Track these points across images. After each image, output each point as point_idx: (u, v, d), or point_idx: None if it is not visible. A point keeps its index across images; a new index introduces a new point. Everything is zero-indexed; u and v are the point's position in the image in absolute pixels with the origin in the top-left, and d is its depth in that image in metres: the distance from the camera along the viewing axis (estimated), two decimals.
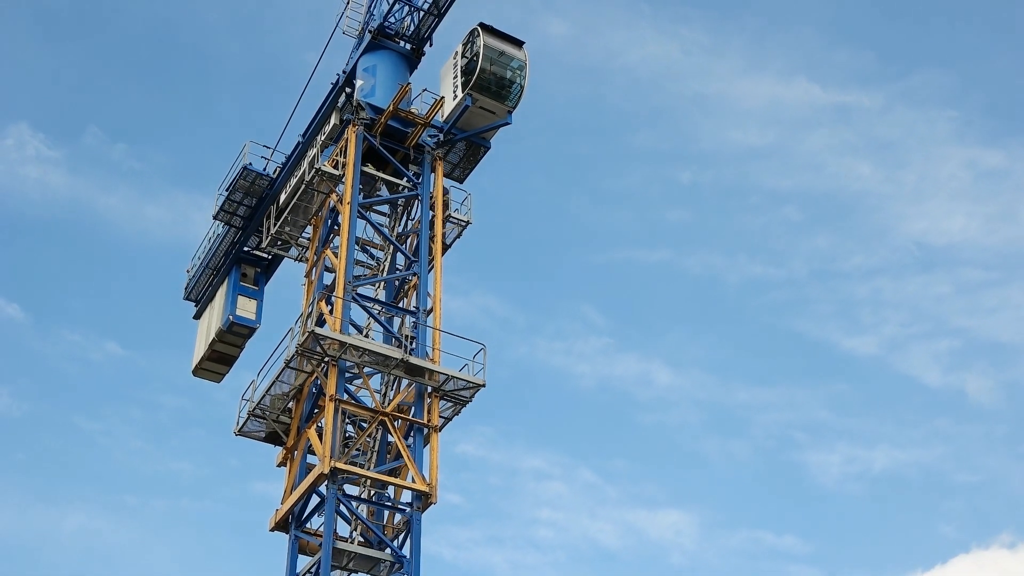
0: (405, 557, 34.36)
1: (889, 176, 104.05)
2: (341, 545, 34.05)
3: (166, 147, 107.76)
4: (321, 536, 34.36)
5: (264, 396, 36.91)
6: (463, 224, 39.81)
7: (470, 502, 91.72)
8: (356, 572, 35.03)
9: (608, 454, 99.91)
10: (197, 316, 45.08)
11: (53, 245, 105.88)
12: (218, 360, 43.51)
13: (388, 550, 34.71)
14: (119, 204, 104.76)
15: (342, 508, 34.56)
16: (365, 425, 36.33)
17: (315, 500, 35.68)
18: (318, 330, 34.75)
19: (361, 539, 35.18)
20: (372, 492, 36.11)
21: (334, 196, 38.73)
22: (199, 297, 45.02)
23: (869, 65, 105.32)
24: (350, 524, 35.45)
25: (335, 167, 38.61)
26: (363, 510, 35.60)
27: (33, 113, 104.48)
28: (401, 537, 35.10)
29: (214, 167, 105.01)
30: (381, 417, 35.24)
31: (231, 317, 42.30)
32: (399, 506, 35.47)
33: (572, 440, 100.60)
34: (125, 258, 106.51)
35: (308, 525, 35.84)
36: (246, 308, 42.71)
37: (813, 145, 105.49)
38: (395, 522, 35.80)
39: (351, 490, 36.15)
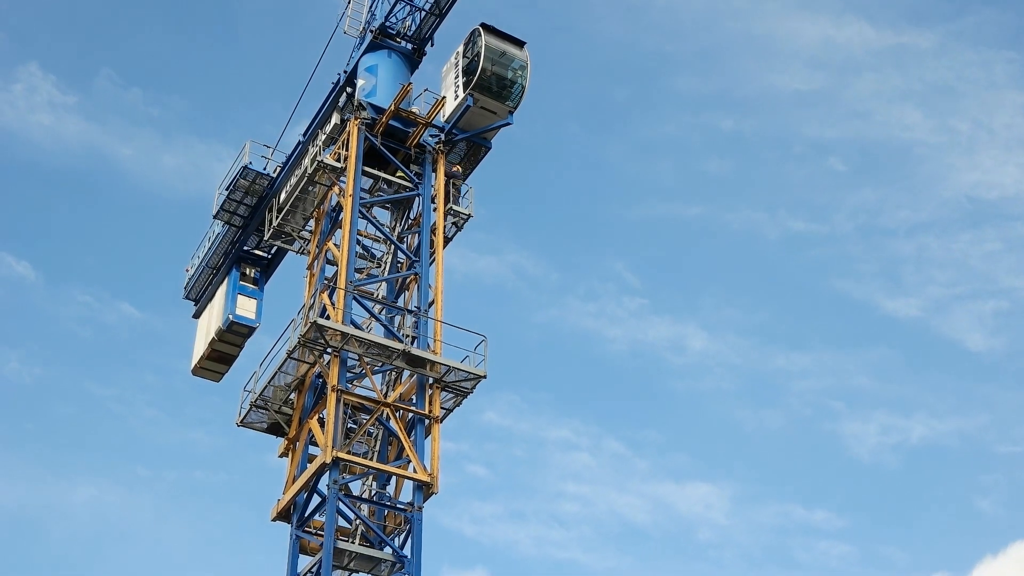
0: (406, 557, 34.31)
1: (940, 124, 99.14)
2: (342, 545, 34.00)
3: (184, 92, 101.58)
4: (323, 533, 34.27)
5: (266, 387, 36.98)
6: (464, 217, 40.02)
7: (494, 474, 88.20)
8: (357, 572, 34.96)
9: (637, 424, 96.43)
10: (197, 315, 45.13)
11: (65, 198, 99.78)
12: (218, 359, 43.53)
13: (389, 550, 34.66)
14: (135, 153, 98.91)
15: (343, 508, 34.51)
16: (367, 417, 36.38)
17: (315, 500, 35.69)
18: (321, 321, 34.86)
19: (362, 539, 35.14)
20: (373, 492, 36.10)
21: (336, 189, 38.96)
22: (199, 296, 45.10)
23: (924, 2, 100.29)
24: (351, 524, 35.42)
25: (337, 160, 38.83)
26: (364, 510, 35.56)
27: (43, 53, 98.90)
28: (402, 537, 35.05)
29: (236, 114, 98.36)
30: (383, 408, 35.31)
31: (231, 317, 42.34)
32: (399, 506, 35.42)
33: (601, 409, 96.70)
34: (141, 212, 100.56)
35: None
36: (246, 308, 42.77)
37: (862, 91, 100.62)
38: (397, 519, 35.73)
39: (353, 487, 36.18)
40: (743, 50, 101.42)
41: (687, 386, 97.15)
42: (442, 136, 40.27)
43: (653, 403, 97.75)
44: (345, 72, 41.43)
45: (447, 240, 39.71)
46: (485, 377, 35.95)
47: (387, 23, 41.48)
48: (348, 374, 35.68)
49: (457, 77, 40.19)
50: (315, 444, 35.74)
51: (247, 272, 43.40)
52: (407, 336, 36.87)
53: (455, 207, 39.90)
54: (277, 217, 40.87)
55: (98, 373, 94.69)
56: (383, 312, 37.87)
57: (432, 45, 42.03)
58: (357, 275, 38.43)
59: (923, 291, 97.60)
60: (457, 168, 40.65)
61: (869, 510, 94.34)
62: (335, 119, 40.66)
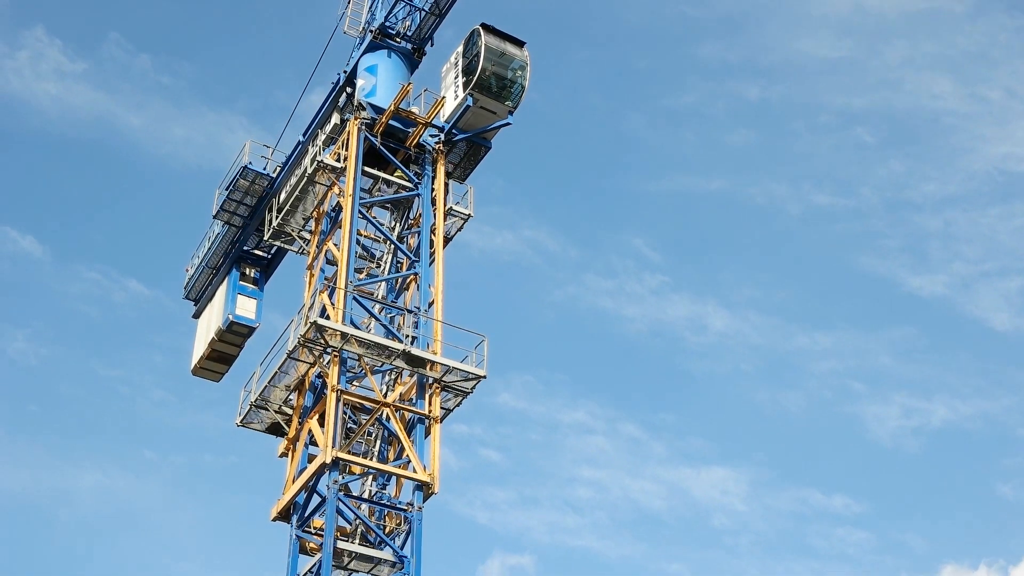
0: (406, 557, 34.30)
1: (972, 93, 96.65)
2: (342, 545, 33.99)
3: (195, 59, 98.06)
4: (323, 533, 34.25)
5: (266, 387, 36.97)
6: (464, 217, 40.02)
7: (508, 459, 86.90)
8: (357, 572, 34.95)
9: (655, 406, 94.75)
10: (197, 315, 45.15)
11: (72, 170, 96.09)
12: (218, 359, 43.60)
13: (389, 550, 34.65)
14: (145, 123, 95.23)
15: (343, 508, 34.50)
16: (367, 417, 36.37)
17: (315, 500, 35.67)
18: (320, 321, 34.86)
19: (362, 539, 35.12)
20: (373, 492, 36.09)
21: (336, 189, 38.96)
22: (198, 296, 45.10)
23: None
24: (351, 524, 35.41)
25: (337, 160, 38.82)
26: (364, 510, 35.55)
27: (49, 16, 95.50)
28: (402, 537, 35.03)
29: (249, 81, 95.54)
30: (383, 408, 35.31)
31: (231, 317, 42.40)
32: (399, 506, 35.40)
33: (617, 390, 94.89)
34: (151, 184, 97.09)
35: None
36: (246, 308, 42.81)
37: (891, 58, 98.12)
38: (397, 519, 35.71)
39: (353, 487, 36.17)
40: (770, 16, 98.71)
41: (706, 367, 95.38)
42: (442, 136, 40.26)
43: (671, 385, 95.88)
44: (345, 72, 41.42)
45: (447, 240, 39.71)
46: (485, 377, 35.97)
47: (387, 23, 41.49)
48: (348, 374, 35.67)
49: (457, 77, 40.19)
50: (315, 444, 35.72)
51: (247, 272, 43.45)
52: (407, 336, 36.85)
53: (455, 207, 39.89)
54: (277, 217, 40.89)
55: (105, 353, 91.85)
56: (383, 312, 37.85)
57: (432, 45, 42.11)
58: (357, 275, 38.43)
59: (949, 268, 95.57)
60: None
61: (888, 496, 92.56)
62: (335, 119, 40.69)
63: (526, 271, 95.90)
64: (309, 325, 34.86)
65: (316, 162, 38.74)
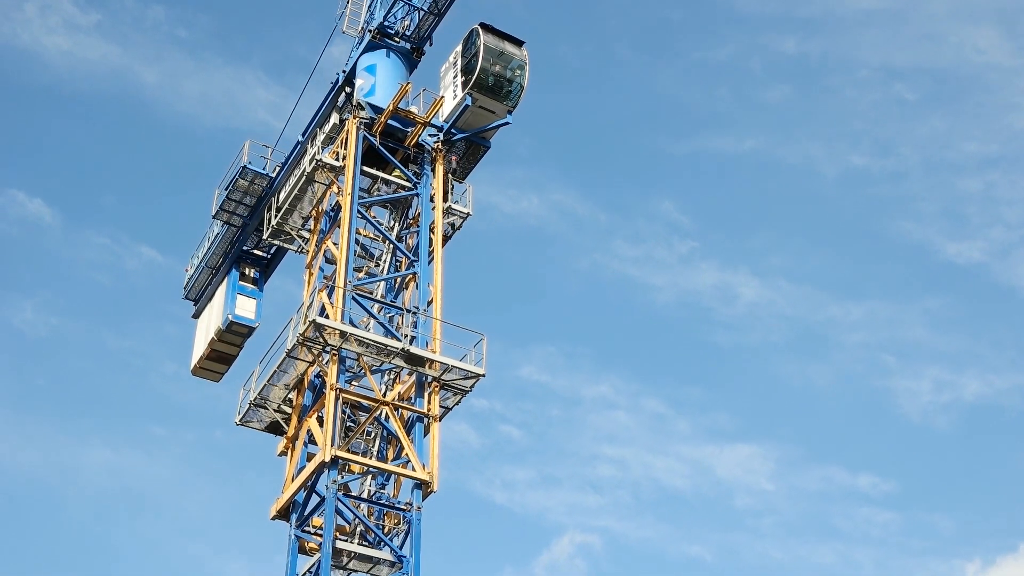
0: (405, 556, 34.28)
1: (1020, 47, 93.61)
2: (341, 544, 33.99)
3: (211, 10, 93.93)
4: (322, 533, 34.23)
5: (265, 386, 36.97)
6: (463, 216, 40.03)
7: (528, 436, 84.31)
8: (356, 572, 34.93)
9: (680, 380, 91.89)
10: (196, 315, 45.15)
11: (83, 128, 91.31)
12: (218, 359, 43.58)
13: (388, 549, 34.63)
14: (159, 78, 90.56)
15: (342, 507, 34.48)
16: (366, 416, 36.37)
17: (315, 500, 35.67)
18: (320, 319, 34.87)
19: (361, 538, 35.10)
20: (372, 491, 36.08)
21: (335, 188, 38.97)
22: (198, 296, 45.11)
23: None
24: (350, 523, 35.39)
25: (336, 159, 38.84)
26: (363, 509, 35.54)
27: None
28: (401, 536, 35.01)
29: (267, 34, 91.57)
30: (382, 406, 35.30)
31: (230, 317, 42.40)
32: (398, 505, 35.38)
33: (642, 363, 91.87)
34: (165, 144, 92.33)
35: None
36: (245, 308, 42.81)
37: (935, 10, 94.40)
38: (396, 519, 35.68)
39: (352, 487, 36.16)
40: None
41: (733, 339, 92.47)
42: (441, 136, 40.27)
43: (697, 358, 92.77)
44: (344, 72, 41.44)
45: (446, 239, 39.71)
46: (484, 375, 35.97)
47: (386, 23, 41.50)
48: (347, 374, 35.68)
49: (456, 76, 40.22)
50: (314, 443, 35.74)
51: (246, 272, 43.45)
52: (405, 336, 36.84)
53: (454, 206, 39.90)
54: (276, 216, 40.89)
55: (115, 324, 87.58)
56: (382, 312, 37.85)
57: (431, 44, 42.11)
58: (356, 274, 38.43)
59: (987, 234, 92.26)
60: (453, 158, 40.39)
61: (917, 475, 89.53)
62: (334, 119, 40.72)
63: (550, 238, 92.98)
64: (308, 324, 34.87)
65: (315, 161, 38.76)
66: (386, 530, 35.46)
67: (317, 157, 38.77)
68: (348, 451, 35.04)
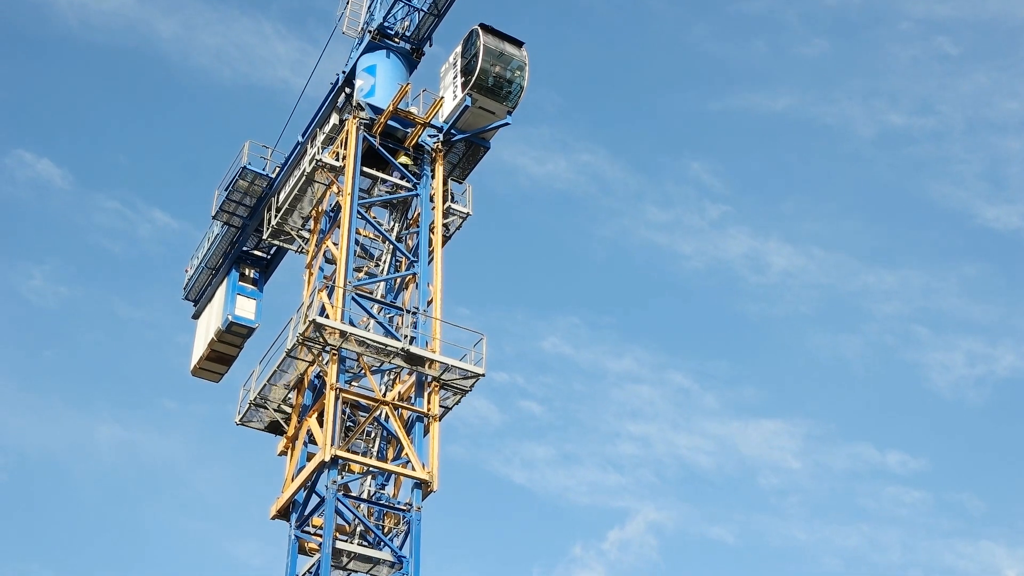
0: (405, 557, 34.30)
1: None
2: (341, 545, 34.01)
3: None
4: (322, 533, 34.25)
5: (265, 386, 37.00)
6: (463, 216, 40.07)
7: (549, 411, 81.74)
8: (355, 572, 34.95)
9: (706, 353, 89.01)
10: (196, 316, 45.18)
11: (93, 84, 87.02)
12: (217, 360, 43.62)
13: (388, 550, 34.65)
14: (175, 31, 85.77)
15: (342, 507, 34.50)
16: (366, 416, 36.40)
17: (315, 501, 35.69)
18: (319, 319, 34.90)
19: (361, 538, 35.12)
20: (372, 491, 36.10)
21: (335, 188, 39.02)
22: (198, 297, 45.14)
23: None
24: (349, 523, 35.41)
25: (336, 159, 38.89)
26: (363, 509, 35.56)
27: None
28: (401, 536, 35.03)
29: None
30: (382, 406, 35.34)
31: (230, 317, 42.43)
32: (398, 505, 35.40)
33: (668, 335, 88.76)
34: (180, 101, 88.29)
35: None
36: (245, 308, 42.84)
37: None
38: (396, 519, 35.68)
39: (352, 487, 36.18)
40: None
41: (762, 310, 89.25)
42: (440, 136, 40.31)
43: (724, 329, 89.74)
44: (344, 72, 41.48)
45: (445, 239, 39.74)
46: (483, 375, 36.01)
47: (385, 23, 41.55)
48: (347, 374, 35.71)
49: (456, 77, 40.26)
50: (314, 443, 35.77)
51: (246, 272, 43.49)
52: (405, 336, 36.88)
53: (454, 206, 39.94)
54: (276, 216, 40.92)
55: (127, 292, 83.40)
56: (381, 312, 37.89)
57: (431, 45, 42.20)
58: (356, 274, 38.47)
59: None
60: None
61: (947, 452, 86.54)
62: (334, 119, 40.74)
63: (577, 202, 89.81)
64: (308, 323, 34.90)
65: (315, 161, 38.80)
66: (386, 530, 35.49)
67: (317, 157, 38.82)
68: (348, 451, 35.09)
